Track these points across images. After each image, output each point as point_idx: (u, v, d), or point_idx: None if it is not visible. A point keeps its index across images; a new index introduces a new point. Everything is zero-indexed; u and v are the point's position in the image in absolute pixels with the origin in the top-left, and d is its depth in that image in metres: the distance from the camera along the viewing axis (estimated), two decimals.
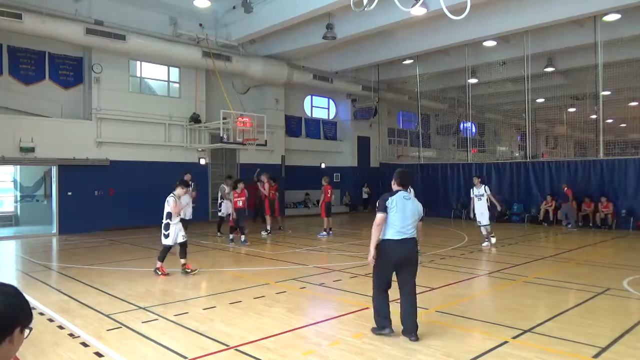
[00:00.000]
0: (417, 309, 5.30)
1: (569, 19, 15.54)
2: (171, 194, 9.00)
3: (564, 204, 17.51)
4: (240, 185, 13.20)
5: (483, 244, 12.43)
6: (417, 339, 5.15)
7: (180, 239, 8.96)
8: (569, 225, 16.98)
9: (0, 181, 18.63)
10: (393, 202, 5.25)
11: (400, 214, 5.20)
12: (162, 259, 8.92)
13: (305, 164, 23.41)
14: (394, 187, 5.54)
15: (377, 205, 5.33)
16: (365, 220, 20.94)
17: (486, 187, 12.68)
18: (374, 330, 5.43)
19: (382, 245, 5.24)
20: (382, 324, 5.33)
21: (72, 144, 15.86)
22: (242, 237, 13.04)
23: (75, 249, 12.80)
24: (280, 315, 6.26)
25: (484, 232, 12.57)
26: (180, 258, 9.02)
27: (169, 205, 8.87)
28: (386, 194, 5.41)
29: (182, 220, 10.17)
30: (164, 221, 8.90)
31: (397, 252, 5.19)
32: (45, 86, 16.09)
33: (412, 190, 6.94)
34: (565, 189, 17.28)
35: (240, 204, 12.99)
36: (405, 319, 5.25)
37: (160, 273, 8.83)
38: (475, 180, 12.76)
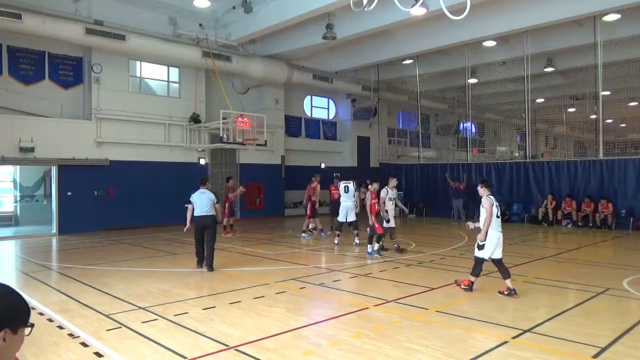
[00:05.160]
0: (214, 255, 9.44)
1: (568, 19, 15.52)
2: (491, 194, 7.36)
3: (455, 200, 19.48)
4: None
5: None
6: (211, 269, 9.23)
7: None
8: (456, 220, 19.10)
9: (0, 181, 18.63)
10: (194, 197, 9.47)
11: (198, 202, 9.38)
12: (478, 273, 7.52)
13: (305, 164, 23.38)
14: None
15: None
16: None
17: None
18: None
19: (193, 218, 9.41)
20: (198, 260, 9.50)
21: (71, 144, 15.86)
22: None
23: (75, 249, 12.79)
24: (280, 315, 6.26)
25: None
26: (505, 279, 7.21)
27: (485, 208, 7.13)
28: (194, 192, 9.57)
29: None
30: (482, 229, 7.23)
31: (200, 222, 9.39)
32: (45, 86, 16.08)
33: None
34: (455, 185, 19.50)
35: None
36: (207, 258, 9.32)
37: (466, 288, 7.51)
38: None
